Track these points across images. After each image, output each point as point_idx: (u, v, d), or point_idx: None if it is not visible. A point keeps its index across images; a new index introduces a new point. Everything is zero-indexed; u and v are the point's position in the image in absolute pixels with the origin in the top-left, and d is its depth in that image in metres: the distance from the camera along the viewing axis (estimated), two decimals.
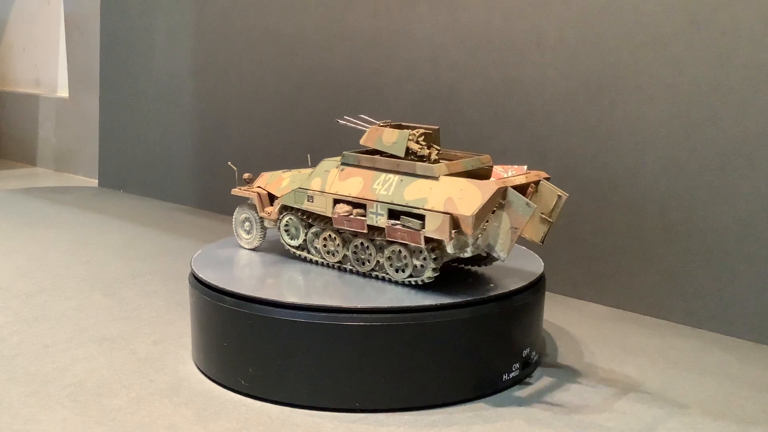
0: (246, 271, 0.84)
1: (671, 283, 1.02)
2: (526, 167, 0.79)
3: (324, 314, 0.72)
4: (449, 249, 0.74)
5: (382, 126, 0.81)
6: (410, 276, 0.77)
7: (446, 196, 0.72)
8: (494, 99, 1.18)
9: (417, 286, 0.78)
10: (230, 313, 0.76)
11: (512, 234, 0.71)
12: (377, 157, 0.79)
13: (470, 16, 1.19)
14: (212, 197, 1.71)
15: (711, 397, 0.78)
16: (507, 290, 0.78)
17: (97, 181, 2.10)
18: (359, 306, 0.72)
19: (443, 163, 0.76)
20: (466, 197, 0.71)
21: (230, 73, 1.63)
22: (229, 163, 0.96)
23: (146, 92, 1.86)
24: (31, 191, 1.94)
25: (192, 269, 0.84)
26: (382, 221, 0.76)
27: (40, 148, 2.38)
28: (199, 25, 1.69)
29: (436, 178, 0.74)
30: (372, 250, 0.79)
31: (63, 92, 2.29)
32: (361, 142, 0.82)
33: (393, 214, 0.76)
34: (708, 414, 0.74)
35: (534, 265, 0.88)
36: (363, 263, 0.81)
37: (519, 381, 0.80)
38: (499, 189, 0.71)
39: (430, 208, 0.73)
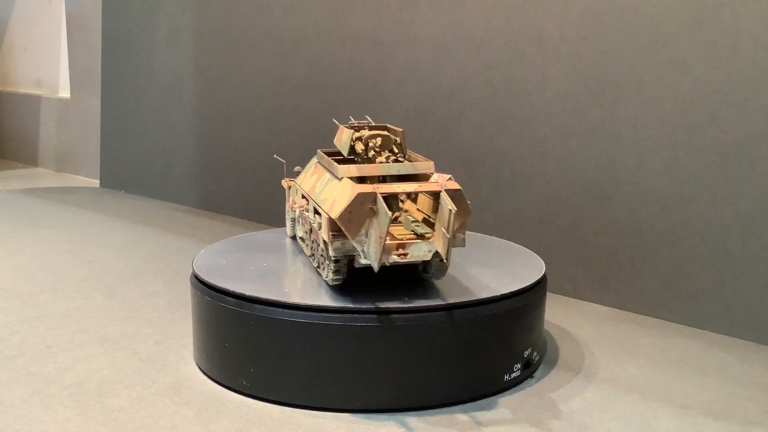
0: (247, 271, 0.84)
1: (672, 284, 1.02)
2: (449, 177, 0.75)
3: (325, 314, 0.72)
4: (331, 252, 0.73)
5: (347, 127, 0.81)
6: (326, 276, 0.78)
7: (334, 198, 0.72)
8: (495, 99, 1.18)
9: (418, 286, 0.78)
10: (232, 314, 0.76)
11: (379, 243, 0.68)
12: (325, 156, 0.81)
13: (471, 16, 1.19)
14: (213, 197, 1.71)
15: (712, 397, 0.78)
16: (508, 291, 0.78)
17: (98, 181, 2.10)
18: (360, 306, 0.72)
19: (353, 166, 0.75)
20: (340, 200, 0.71)
21: (231, 74, 1.63)
22: (275, 155, 0.97)
23: (147, 93, 1.86)
24: (32, 192, 1.94)
25: (193, 269, 0.85)
26: (311, 218, 0.79)
27: (42, 148, 2.38)
28: (200, 26, 1.69)
29: (340, 180, 0.74)
30: (315, 246, 0.82)
31: (64, 93, 2.30)
32: (334, 140, 0.84)
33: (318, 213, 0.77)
34: (709, 414, 0.74)
35: (535, 266, 0.88)
36: (314, 258, 0.83)
37: (520, 381, 0.80)
38: (360, 194, 0.69)
39: (325, 209, 0.73)
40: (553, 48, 1.11)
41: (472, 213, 0.71)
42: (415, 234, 0.72)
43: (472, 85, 1.20)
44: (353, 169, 0.75)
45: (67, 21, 2.18)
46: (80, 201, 1.81)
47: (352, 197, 0.69)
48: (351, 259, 0.75)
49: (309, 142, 1.44)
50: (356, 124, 0.82)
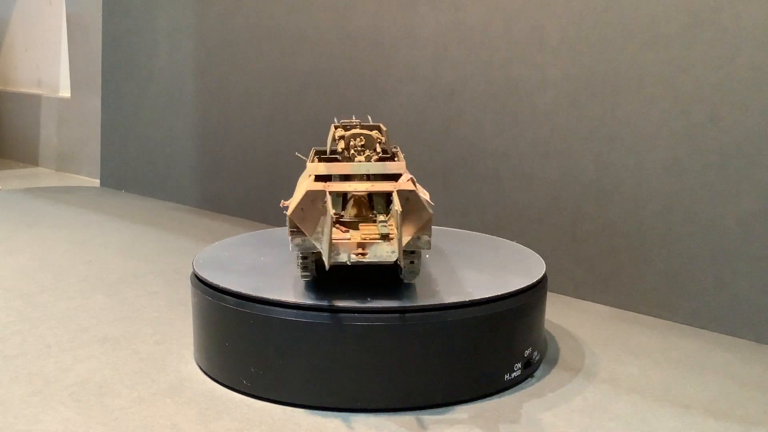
0: (248, 271, 0.84)
1: (673, 283, 1.02)
2: (410, 177, 0.74)
3: (326, 314, 0.72)
4: (290, 248, 0.73)
5: (336, 125, 0.82)
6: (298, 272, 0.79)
7: (298, 196, 0.73)
8: (496, 99, 1.18)
9: (418, 287, 0.78)
10: (232, 313, 0.76)
11: (326, 241, 0.68)
12: (311, 154, 0.82)
13: (472, 16, 1.19)
14: (214, 197, 1.71)
15: (713, 397, 0.78)
16: (509, 290, 0.78)
17: (98, 181, 2.10)
18: (361, 306, 0.72)
19: (321, 164, 0.76)
20: (295, 198, 0.72)
21: (232, 73, 1.63)
22: (297, 153, 0.98)
23: (148, 92, 1.86)
24: (33, 191, 1.94)
25: (194, 269, 0.85)
26: None
27: (42, 148, 2.38)
28: (201, 26, 1.69)
29: (307, 177, 0.75)
30: None
31: (65, 92, 2.30)
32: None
33: None
34: (710, 414, 0.74)
35: (536, 265, 0.88)
36: None
37: (521, 381, 0.80)
38: (309, 192, 0.70)
39: (290, 206, 0.74)
40: (554, 48, 1.11)
41: (431, 214, 0.70)
42: (380, 234, 0.72)
43: (472, 84, 1.20)
44: (321, 167, 0.75)
45: (68, 21, 2.18)
46: (80, 201, 1.81)
47: (302, 195, 0.70)
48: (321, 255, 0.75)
49: (309, 141, 1.44)
50: (346, 123, 0.82)
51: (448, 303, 0.74)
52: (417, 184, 0.73)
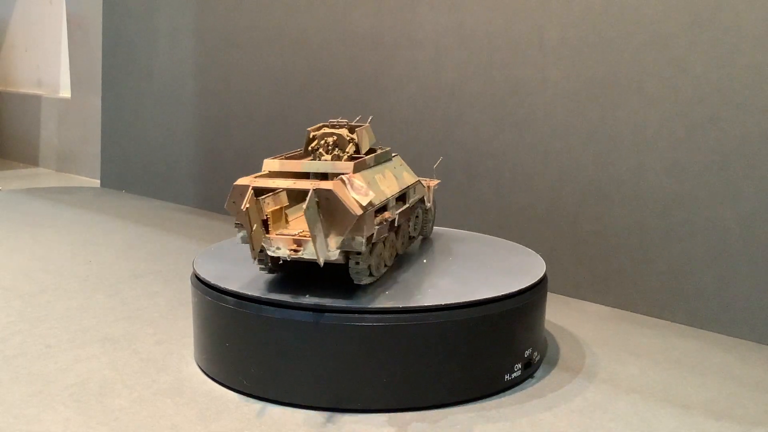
0: (248, 271, 0.84)
1: (673, 284, 1.02)
2: (347, 175, 0.74)
3: (326, 314, 0.72)
4: (238, 240, 0.74)
5: (321, 124, 0.83)
6: None
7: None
8: (496, 99, 1.18)
9: (418, 287, 0.78)
10: (232, 314, 0.76)
11: (248, 236, 0.70)
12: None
13: (472, 16, 1.19)
14: (214, 197, 1.71)
15: (713, 397, 0.78)
16: (509, 291, 0.78)
17: (99, 181, 2.10)
18: (361, 306, 0.72)
19: (276, 161, 0.77)
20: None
21: (232, 74, 1.63)
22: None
23: (148, 93, 1.87)
24: (33, 192, 1.94)
25: (194, 269, 0.85)
26: None
27: (42, 148, 2.38)
28: (201, 26, 1.69)
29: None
30: None
31: (65, 93, 2.30)
32: None
33: None
34: (710, 414, 0.74)
35: (536, 266, 0.88)
36: None
37: (521, 381, 0.80)
38: (236, 186, 0.71)
39: None
40: (554, 48, 1.11)
41: (353, 214, 0.68)
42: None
43: (473, 85, 1.21)
44: (276, 164, 0.76)
45: (68, 21, 2.18)
46: (81, 201, 1.81)
47: (232, 188, 0.71)
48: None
49: None
50: (335, 123, 0.83)
51: (448, 303, 0.74)
52: (354, 183, 0.72)
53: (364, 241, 0.71)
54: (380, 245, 0.78)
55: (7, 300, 1.05)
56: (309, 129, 0.82)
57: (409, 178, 0.87)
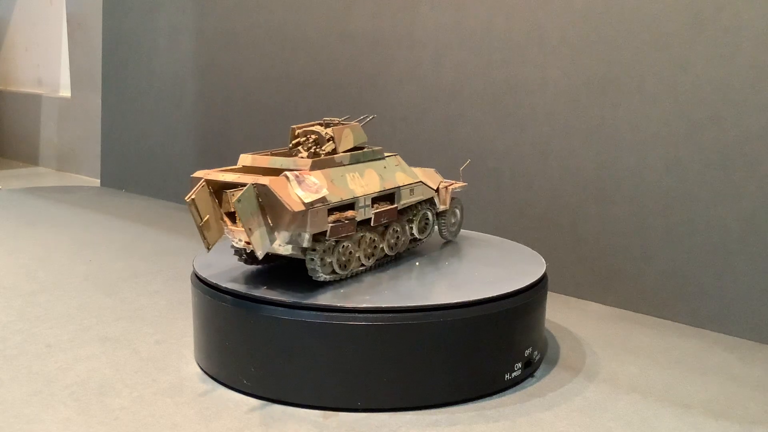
0: (248, 270, 0.84)
1: (673, 283, 1.02)
2: (297, 173, 0.76)
3: (326, 314, 0.72)
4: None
5: (314, 122, 0.84)
6: None
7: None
8: (496, 99, 1.18)
9: (419, 286, 0.78)
10: (232, 313, 0.76)
11: (197, 227, 0.74)
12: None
13: (472, 16, 1.19)
14: None
15: (713, 397, 0.78)
16: (509, 290, 0.78)
17: (99, 180, 2.10)
18: (361, 306, 0.72)
19: (250, 156, 0.79)
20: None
21: (232, 73, 1.63)
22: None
23: (148, 92, 1.87)
24: (33, 191, 1.94)
25: (194, 269, 0.85)
26: None
27: (43, 147, 2.38)
28: (201, 25, 1.69)
29: None
30: None
31: (65, 92, 2.30)
32: None
33: None
34: (710, 414, 0.74)
35: (536, 265, 0.88)
36: None
37: (521, 381, 0.80)
38: (192, 178, 0.74)
39: None
40: (554, 47, 1.11)
41: (289, 210, 0.70)
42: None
43: (473, 84, 1.20)
44: (248, 159, 0.79)
45: (68, 20, 2.18)
46: (81, 200, 1.81)
47: (191, 181, 0.74)
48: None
49: None
50: (328, 121, 0.84)
51: (448, 303, 0.74)
52: (306, 180, 0.73)
53: (308, 237, 0.72)
54: (350, 243, 0.79)
55: (7, 299, 1.05)
56: (293, 126, 0.84)
57: (404, 178, 0.86)
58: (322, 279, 0.77)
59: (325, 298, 0.74)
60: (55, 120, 2.31)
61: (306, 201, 0.71)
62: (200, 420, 0.71)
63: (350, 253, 0.79)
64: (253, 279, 0.81)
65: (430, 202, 0.91)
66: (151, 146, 1.88)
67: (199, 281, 0.82)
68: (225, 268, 0.85)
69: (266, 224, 0.71)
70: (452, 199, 0.95)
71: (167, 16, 1.77)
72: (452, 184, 0.95)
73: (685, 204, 1.00)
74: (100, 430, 0.69)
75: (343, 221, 0.75)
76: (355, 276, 0.81)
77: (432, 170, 0.95)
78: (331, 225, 0.74)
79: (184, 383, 0.79)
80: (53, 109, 2.32)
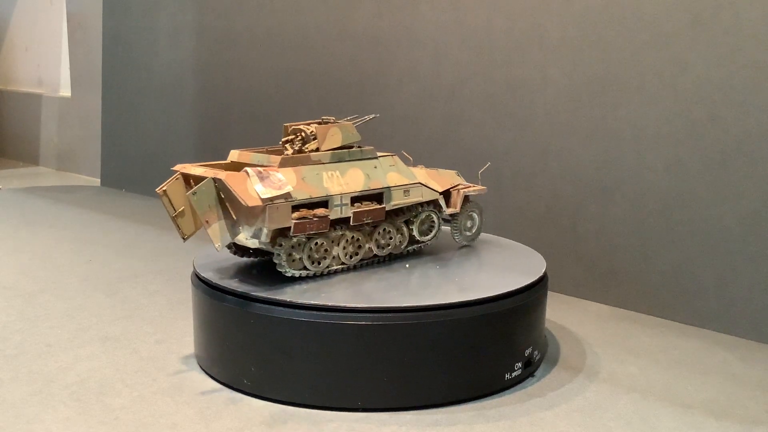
0: (248, 270, 0.84)
1: (674, 283, 1.02)
2: (260, 169, 0.78)
3: (326, 314, 0.72)
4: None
5: (311, 121, 0.85)
6: None
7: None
8: (496, 98, 1.18)
9: (419, 286, 0.78)
10: (232, 313, 0.76)
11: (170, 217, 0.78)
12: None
13: (472, 15, 1.19)
14: None
15: (714, 396, 0.78)
16: (509, 289, 0.78)
17: (99, 180, 2.10)
18: (361, 305, 0.72)
19: (237, 152, 0.81)
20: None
21: (232, 72, 1.63)
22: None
23: (148, 91, 1.87)
24: (33, 190, 1.94)
25: (194, 269, 0.85)
26: None
27: (43, 147, 2.38)
28: (201, 25, 1.69)
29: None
30: None
31: (65, 91, 2.30)
32: None
33: None
34: (711, 414, 0.74)
35: (536, 264, 0.88)
36: None
37: (521, 380, 0.80)
38: (172, 171, 0.77)
39: None
40: (554, 47, 1.11)
41: (244, 204, 0.71)
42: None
43: (473, 84, 1.20)
44: (236, 155, 0.81)
45: (68, 20, 2.18)
46: (81, 200, 1.81)
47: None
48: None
49: None
50: (325, 120, 0.84)
51: (448, 303, 0.74)
52: (270, 177, 0.74)
53: (267, 232, 0.74)
54: (324, 241, 0.79)
55: (7, 299, 1.05)
56: (285, 124, 0.84)
57: (397, 179, 0.85)
58: (289, 274, 0.78)
59: (325, 298, 0.74)
60: (56, 120, 2.31)
61: (264, 197, 0.72)
62: (200, 420, 0.71)
63: (325, 250, 0.79)
64: (253, 279, 0.81)
65: (434, 204, 0.90)
66: (152, 146, 1.88)
67: (200, 281, 0.82)
68: (225, 268, 0.85)
69: (229, 218, 0.73)
70: (469, 202, 0.94)
71: (167, 16, 1.77)
72: (468, 187, 0.93)
73: (684, 203, 1.00)
74: (100, 429, 0.69)
75: (310, 218, 0.76)
76: (331, 274, 0.82)
77: (452, 172, 0.94)
78: (294, 221, 0.74)
79: (184, 383, 0.79)
80: (53, 109, 2.32)
